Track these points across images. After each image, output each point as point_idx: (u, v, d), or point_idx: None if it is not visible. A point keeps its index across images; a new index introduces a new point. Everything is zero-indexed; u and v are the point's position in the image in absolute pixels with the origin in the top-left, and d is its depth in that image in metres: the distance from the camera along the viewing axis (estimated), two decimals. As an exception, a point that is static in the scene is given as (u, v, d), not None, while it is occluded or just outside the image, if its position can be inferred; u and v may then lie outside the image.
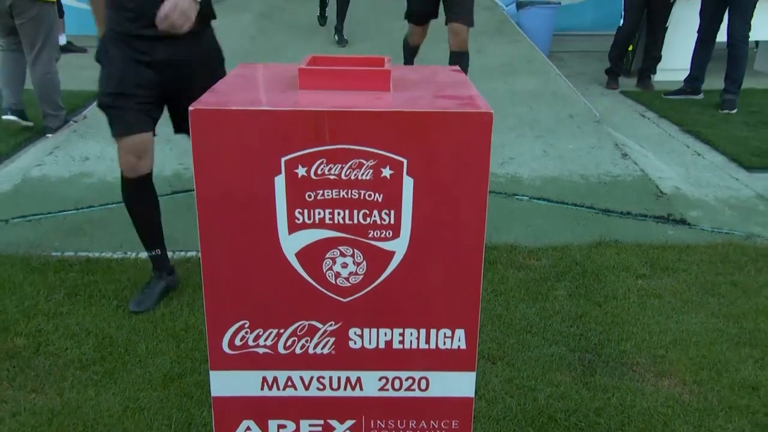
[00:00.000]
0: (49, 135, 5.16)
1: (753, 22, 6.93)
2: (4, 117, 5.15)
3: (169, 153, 4.60)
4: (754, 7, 5.86)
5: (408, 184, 1.37)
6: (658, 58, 6.96)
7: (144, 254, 3.40)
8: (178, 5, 2.54)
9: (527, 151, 4.52)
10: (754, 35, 7.13)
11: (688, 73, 6.44)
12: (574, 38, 8.98)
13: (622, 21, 6.71)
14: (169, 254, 3.39)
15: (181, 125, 3.12)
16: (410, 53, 5.29)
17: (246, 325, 1.53)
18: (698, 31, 6.23)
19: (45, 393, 2.36)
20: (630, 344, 2.79)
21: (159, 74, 2.82)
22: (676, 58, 6.93)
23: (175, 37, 2.65)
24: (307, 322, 1.52)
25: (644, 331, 2.89)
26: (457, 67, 1.77)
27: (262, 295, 1.49)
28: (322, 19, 8.00)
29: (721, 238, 3.75)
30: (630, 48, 7.25)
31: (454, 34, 4.72)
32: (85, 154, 4.65)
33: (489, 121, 1.31)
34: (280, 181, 1.37)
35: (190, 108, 1.33)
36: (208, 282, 1.49)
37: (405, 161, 1.35)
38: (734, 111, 5.99)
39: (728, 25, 5.94)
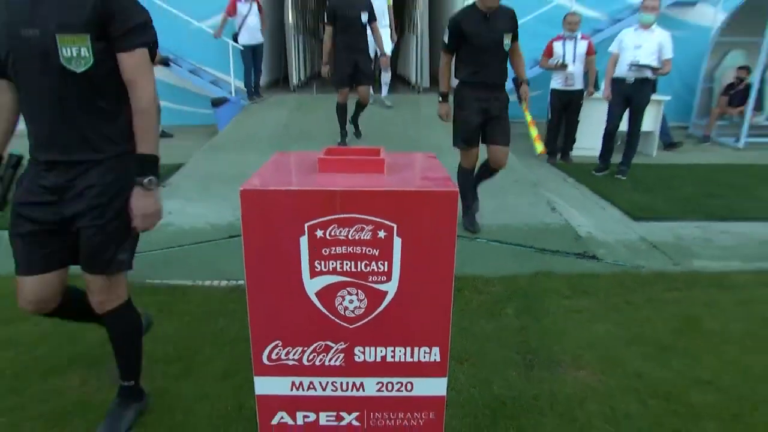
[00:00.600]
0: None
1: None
2: None
3: (226, 208, 4.55)
4: (644, 111, 5.87)
5: (397, 242, 1.32)
6: (574, 141, 6.92)
7: (209, 282, 3.32)
8: (141, 212, 1.80)
9: (485, 205, 4.44)
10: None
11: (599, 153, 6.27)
12: (521, 124, 8.93)
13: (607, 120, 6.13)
14: (224, 283, 3.33)
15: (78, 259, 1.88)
16: (466, 177, 4.14)
17: (279, 344, 1.48)
18: (606, 124, 6.11)
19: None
20: (558, 347, 2.71)
21: (55, 201, 1.78)
22: (586, 141, 6.90)
23: (74, 162, 1.75)
24: (323, 342, 1.47)
25: (568, 338, 2.81)
26: (433, 154, 1.69)
27: (291, 322, 1.44)
28: (358, 132, 6.83)
29: (619, 269, 3.67)
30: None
31: (497, 155, 4.02)
32: (168, 210, 4.57)
33: (455, 197, 1.25)
34: (304, 241, 1.33)
35: (241, 188, 1.27)
36: (253, 312, 1.43)
37: (395, 226, 1.30)
38: (625, 178, 5.93)
39: (628, 121, 5.90)
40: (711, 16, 8.56)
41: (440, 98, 4.08)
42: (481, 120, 3.93)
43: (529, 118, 4.52)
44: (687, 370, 2.51)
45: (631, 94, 5.71)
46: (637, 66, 5.56)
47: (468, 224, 4.16)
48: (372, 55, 6.68)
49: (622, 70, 5.69)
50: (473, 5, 3.83)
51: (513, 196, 4.91)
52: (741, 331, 2.88)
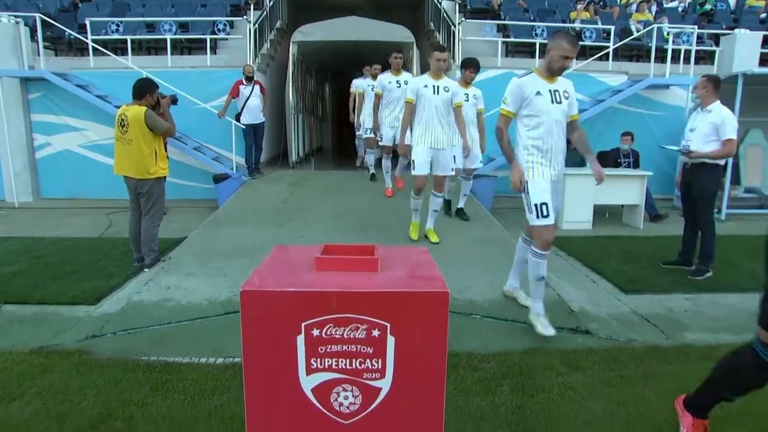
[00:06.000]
0: (146, 270, 5.10)
1: (620, 191, 7.11)
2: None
3: (224, 283, 4.53)
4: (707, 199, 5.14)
5: (391, 341, 1.34)
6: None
7: (204, 359, 3.28)
8: None
9: (479, 281, 4.46)
10: (621, 200, 7.31)
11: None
12: (509, 199, 9.09)
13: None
14: (221, 360, 3.31)
15: None
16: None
17: None
18: (683, 216, 5.46)
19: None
20: (554, 426, 2.68)
21: None
22: (575, 215, 7.02)
23: None
24: None
25: (564, 416, 2.77)
26: (425, 249, 1.74)
27: (288, 418, 1.43)
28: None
29: (612, 343, 3.66)
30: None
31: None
32: (168, 285, 4.58)
33: (446, 298, 1.28)
34: (300, 339, 1.35)
35: (241, 289, 1.30)
36: (250, 409, 1.42)
37: (388, 325, 1.33)
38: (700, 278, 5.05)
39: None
40: (684, 97, 8.95)
41: None
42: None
43: None
44: (684, 450, 2.47)
45: (689, 181, 5.13)
46: (682, 151, 5.12)
47: None
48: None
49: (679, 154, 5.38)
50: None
51: (506, 270, 4.93)
52: (737, 407, 2.82)
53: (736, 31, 9.55)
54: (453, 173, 5.78)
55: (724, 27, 10.74)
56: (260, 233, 5.86)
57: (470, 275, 4.69)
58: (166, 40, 9.17)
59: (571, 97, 3.72)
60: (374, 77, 7.72)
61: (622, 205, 7.62)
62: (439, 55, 5.24)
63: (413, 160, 5.28)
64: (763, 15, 11.71)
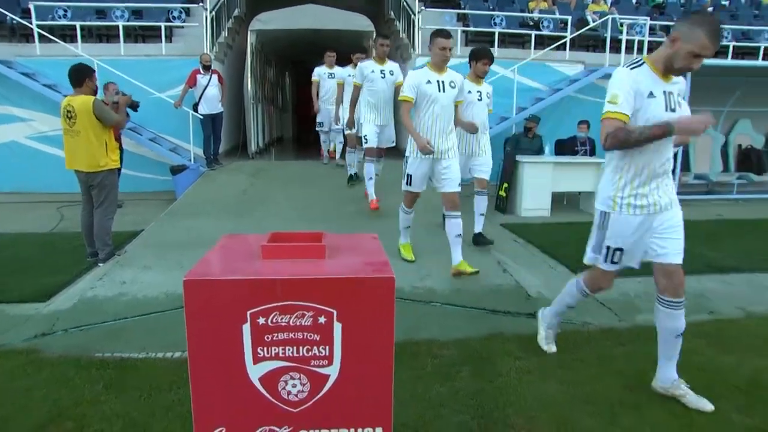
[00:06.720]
0: (101, 265, 4.95)
1: (577, 178, 7.27)
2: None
3: (181, 276, 4.38)
4: None
5: (338, 327, 1.33)
6: None
7: (161, 354, 3.21)
8: None
9: (440, 269, 4.48)
10: (578, 187, 7.49)
11: None
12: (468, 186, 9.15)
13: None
14: (178, 354, 3.23)
15: None
16: None
17: (224, 431, 1.42)
18: None
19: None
20: (511, 409, 2.71)
21: None
22: (532, 202, 7.18)
23: None
24: (268, 427, 1.45)
25: (521, 399, 2.81)
26: (376, 235, 1.73)
27: (235, 408, 1.41)
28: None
29: (568, 327, 3.73)
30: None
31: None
32: (123, 279, 4.46)
33: (391, 283, 1.28)
34: (246, 328, 1.32)
35: (184, 278, 1.27)
36: (196, 399, 1.39)
37: (335, 312, 1.32)
38: None
39: None
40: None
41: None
42: None
43: None
44: (636, 427, 2.55)
45: None
46: None
47: None
48: None
49: None
50: None
51: (467, 257, 4.98)
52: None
53: (687, 22, 9.83)
54: (459, 188, 4.51)
55: (675, 19, 11.05)
56: (219, 225, 5.75)
57: (430, 263, 4.72)
58: (118, 27, 8.86)
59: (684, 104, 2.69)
60: (354, 65, 6.87)
61: (579, 192, 7.79)
62: (443, 42, 4.11)
63: (409, 175, 4.37)
64: (711, 8, 12.13)
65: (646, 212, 2.71)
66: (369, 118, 6.07)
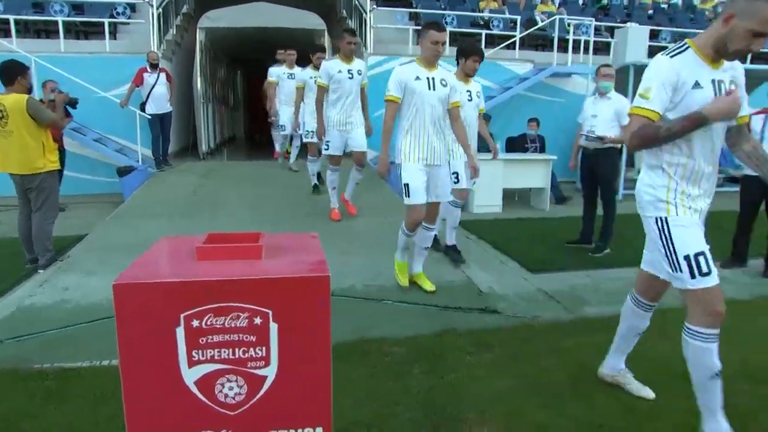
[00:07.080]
0: (41, 271, 4.74)
1: (527, 175, 7.43)
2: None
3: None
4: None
5: (274, 327, 1.32)
6: None
7: (107, 362, 3.09)
8: None
9: (391, 266, 4.48)
10: (529, 184, 7.67)
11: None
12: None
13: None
14: (107, 362, 3.11)
15: None
16: None
17: None
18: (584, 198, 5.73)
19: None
20: (463, 405, 2.74)
21: None
22: (484, 198, 7.31)
23: None
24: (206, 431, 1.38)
25: (472, 394, 2.84)
26: (316, 234, 1.71)
27: (171, 413, 1.37)
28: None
29: (519, 321, 3.81)
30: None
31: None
32: (66, 285, 4.29)
33: (327, 282, 1.27)
34: (180, 331, 1.29)
35: (113, 282, 1.23)
36: (129, 407, 1.35)
37: (270, 312, 1.30)
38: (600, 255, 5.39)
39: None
40: (584, 85, 9.50)
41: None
42: None
43: None
44: (583, 416, 2.61)
45: (593, 164, 5.37)
46: (589, 137, 5.25)
47: None
48: None
49: (583, 140, 5.37)
50: None
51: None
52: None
53: (628, 24, 10.20)
54: (450, 197, 4.36)
55: (618, 20, 11.45)
56: (168, 226, 5.61)
57: (382, 261, 4.73)
58: (57, 22, 8.50)
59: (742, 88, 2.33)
60: (316, 67, 6.34)
61: (530, 189, 7.97)
62: (436, 35, 3.75)
63: (406, 185, 3.90)
64: (651, 11, 12.65)
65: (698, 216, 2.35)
66: (333, 122, 5.65)
